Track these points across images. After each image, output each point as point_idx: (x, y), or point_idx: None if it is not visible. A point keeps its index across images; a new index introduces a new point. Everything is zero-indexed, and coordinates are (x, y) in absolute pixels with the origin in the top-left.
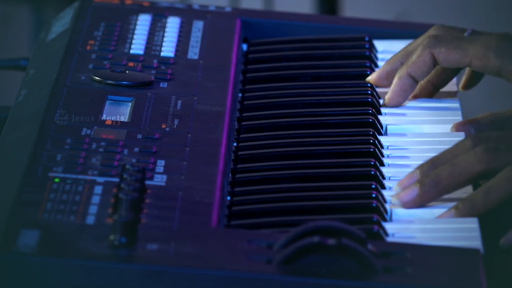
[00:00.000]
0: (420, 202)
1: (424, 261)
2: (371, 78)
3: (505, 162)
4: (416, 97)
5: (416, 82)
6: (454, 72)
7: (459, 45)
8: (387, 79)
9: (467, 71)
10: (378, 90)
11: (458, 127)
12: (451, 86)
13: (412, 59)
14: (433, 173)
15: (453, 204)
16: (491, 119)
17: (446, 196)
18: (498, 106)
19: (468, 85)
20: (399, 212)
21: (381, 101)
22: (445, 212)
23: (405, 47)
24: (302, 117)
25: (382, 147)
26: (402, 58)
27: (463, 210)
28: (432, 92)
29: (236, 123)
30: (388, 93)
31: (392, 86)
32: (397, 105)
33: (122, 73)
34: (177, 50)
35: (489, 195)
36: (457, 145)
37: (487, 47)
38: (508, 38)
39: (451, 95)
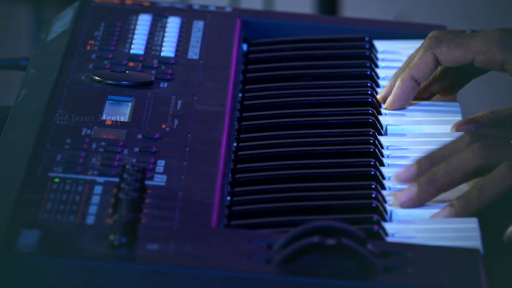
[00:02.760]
0: (418, 202)
1: (424, 261)
2: (388, 104)
3: (501, 158)
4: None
5: (419, 84)
6: (452, 78)
7: (461, 42)
8: None
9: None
10: (378, 90)
11: (458, 127)
12: None
13: (414, 61)
14: (429, 172)
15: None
16: (491, 118)
17: (446, 196)
18: (498, 106)
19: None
20: (399, 212)
21: (383, 103)
22: (441, 211)
23: (407, 60)
24: (302, 117)
25: (382, 147)
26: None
27: (458, 207)
28: (428, 98)
29: (236, 123)
30: (390, 97)
31: (394, 89)
32: (399, 108)
33: (122, 73)
34: (177, 50)
35: (482, 192)
36: (455, 141)
37: (489, 41)
38: (509, 32)
39: (451, 98)
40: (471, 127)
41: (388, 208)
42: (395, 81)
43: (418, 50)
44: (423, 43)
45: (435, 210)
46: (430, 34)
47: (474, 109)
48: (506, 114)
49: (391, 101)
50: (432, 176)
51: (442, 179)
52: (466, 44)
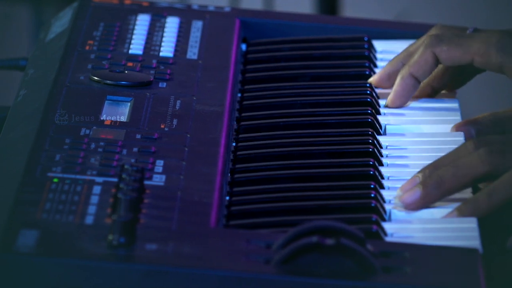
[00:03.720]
0: (423, 204)
1: (423, 261)
2: (372, 79)
3: (509, 165)
4: (415, 99)
5: (419, 82)
6: (455, 74)
7: (461, 42)
8: (388, 80)
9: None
10: (378, 90)
11: (458, 128)
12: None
13: (414, 58)
14: (436, 174)
15: (453, 204)
16: (491, 119)
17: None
18: (497, 106)
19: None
20: (397, 212)
21: (382, 102)
22: (448, 214)
23: (406, 48)
24: (301, 117)
25: (381, 147)
26: (403, 59)
27: (466, 211)
28: (431, 95)
29: (235, 123)
30: (390, 94)
31: (395, 87)
32: (400, 106)
33: (121, 73)
34: (176, 50)
35: (492, 197)
36: (459, 148)
37: (488, 43)
38: (509, 34)
39: (450, 95)
40: (471, 129)
41: (387, 208)
42: (390, 67)
43: (418, 46)
44: (423, 40)
45: (435, 210)
46: (431, 31)
47: (474, 109)
48: (506, 116)
49: (392, 99)
50: (439, 180)
51: (448, 183)
52: (465, 45)
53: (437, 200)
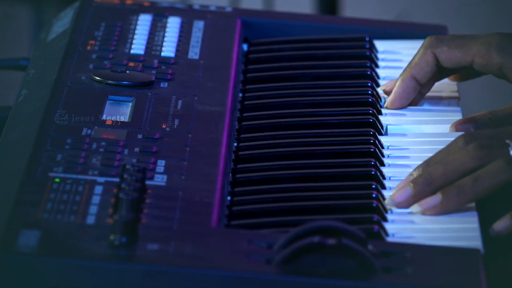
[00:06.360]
0: (413, 202)
1: (424, 261)
2: (388, 103)
3: (496, 158)
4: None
5: (419, 84)
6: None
7: (461, 43)
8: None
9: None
10: (378, 90)
11: (457, 126)
12: (452, 92)
13: (414, 60)
14: (426, 172)
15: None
16: (489, 117)
17: None
18: (498, 106)
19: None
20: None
21: (382, 103)
22: (431, 198)
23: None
24: (302, 117)
25: (383, 147)
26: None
27: (450, 195)
28: (417, 99)
29: (237, 123)
30: (390, 95)
31: (395, 88)
32: (399, 107)
33: (122, 73)
34: (177, 50)
35: (477, 183)
36: (450, 144)
37: (488, 44)
38: (509, 36)
39: (452, 100)
40: (470, 127)
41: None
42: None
43: (419, 49)
44: (423, 42)
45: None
46: (431, 36)
47: (474, 109)
48: (504, 114)
49: (391, 100)
50: (429, 177)
51: (439, 181)
52: (466, 46)
53: (428, 196)
